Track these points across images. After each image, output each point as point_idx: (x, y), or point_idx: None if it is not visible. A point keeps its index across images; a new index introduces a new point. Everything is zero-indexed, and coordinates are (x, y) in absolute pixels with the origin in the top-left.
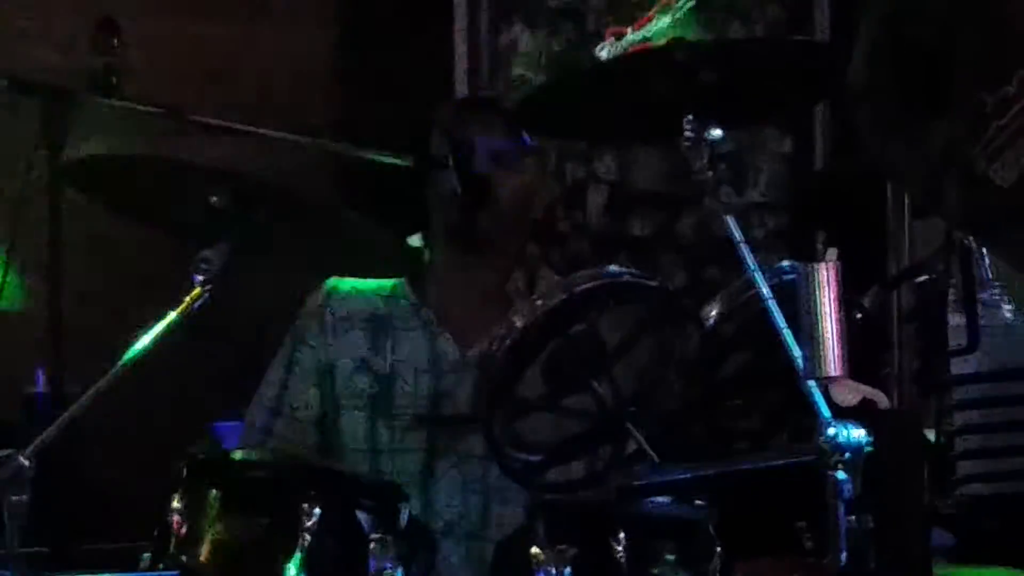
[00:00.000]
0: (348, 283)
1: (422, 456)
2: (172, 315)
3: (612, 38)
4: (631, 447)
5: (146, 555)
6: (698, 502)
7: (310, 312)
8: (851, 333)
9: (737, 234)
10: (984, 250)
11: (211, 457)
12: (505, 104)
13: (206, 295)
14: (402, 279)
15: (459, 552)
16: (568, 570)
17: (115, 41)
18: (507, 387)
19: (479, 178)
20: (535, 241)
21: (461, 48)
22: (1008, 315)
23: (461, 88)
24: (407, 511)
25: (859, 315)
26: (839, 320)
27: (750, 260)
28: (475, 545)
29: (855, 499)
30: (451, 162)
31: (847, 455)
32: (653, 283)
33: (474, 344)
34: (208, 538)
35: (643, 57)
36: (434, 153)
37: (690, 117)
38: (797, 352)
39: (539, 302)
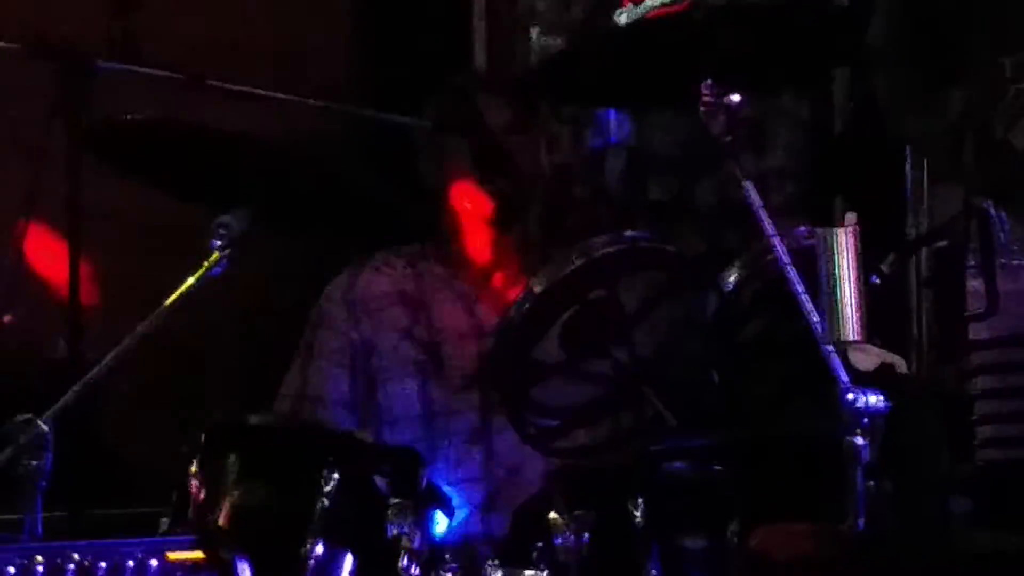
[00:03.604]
0: (370, 265)
1: (476, 415)
2: (190, 280)
3: (630, 3)
4: (649, 412)
5: (164, 519)
6: (716, 467)
7: (333, 298)
8: (870, 298)
9: (756, 199)
10: (1003, 214)
11: (229, 423)
12: (512, 71)
13: (224, 260)
14: (427, 259)
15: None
16: (587, 535)
17: (133, 6)
18: (525, 352)
19: (497, 151)
20: (546, 208)
21: (480, 13)
22: None
23: (480, 54)
24: (425, 476)
25: (878, 280)
26: (858, 285)
27: (768, 225)
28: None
29: (873, 464)
30: (467, 138)
31: (865, 420)
32: (671, 248)
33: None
34: (226, 503)
35: (662, 22)
36: (448, 129)
37: (709, 82)
38: (816, 317)
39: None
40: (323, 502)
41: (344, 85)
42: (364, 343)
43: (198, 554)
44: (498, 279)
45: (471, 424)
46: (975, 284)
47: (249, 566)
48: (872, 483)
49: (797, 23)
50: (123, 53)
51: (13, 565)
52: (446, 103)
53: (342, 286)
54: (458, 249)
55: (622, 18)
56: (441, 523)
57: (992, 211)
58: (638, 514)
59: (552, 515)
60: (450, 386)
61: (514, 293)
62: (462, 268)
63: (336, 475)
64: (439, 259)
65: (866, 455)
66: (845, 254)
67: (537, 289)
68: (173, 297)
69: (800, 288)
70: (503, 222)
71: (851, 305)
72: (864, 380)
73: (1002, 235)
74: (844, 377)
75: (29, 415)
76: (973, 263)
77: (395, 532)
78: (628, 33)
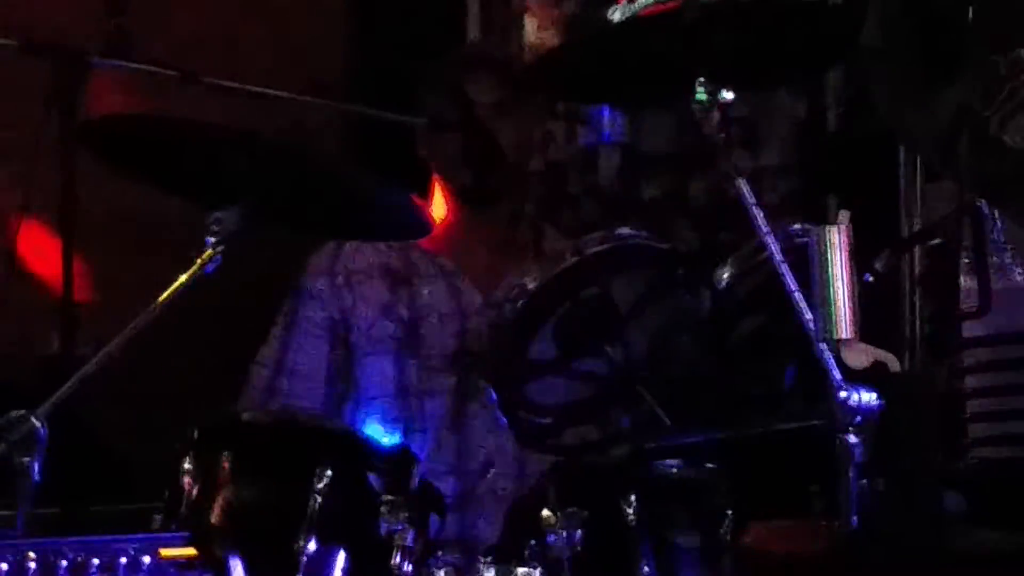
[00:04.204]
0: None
1: (451, 398)
2: (184, 277)
3: (624, 1)
4: (643, 410)
5: (157, 516)
6: (710, 465)
7: (316, 269)
8: (862, 296)
9: (749, 197)
10: (996, 213)
11: (222, 419)
12: (498, 54)
13: (218, 257)
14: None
15: (498, 492)
16: (579, 533)
17: (127, 2)
18: (518, 350)
19: (485, 136)
20: (537, 198)
21: (474, 9)
22: (1020, 278)
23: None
24: (418, 473)
25: (871, 278)
26: (851, 283)
27: (762, 223)
28: (515, 486)
29: (866, 462)
30: (457, 121)
31: (859, 418)
32: (664, 246)
33: (494, 289)
34: (219, 500)
35: (655, 19)
36: (436, 112)
37: (702, 80)
38: (809, 315)
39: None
40: (316, 499)
41: (340, 80)
42: (344, 316)
43: (191, 551)
44: (482, 259)
45: (445, 407)
46: (968, 282)
47: (242, 563)
48: (865, 481)
49: (791, 21)
50: (117, 49)
51: (5, 561)
52: (438, 95)
53: (328, 256)
54: (441, 227)
55: (615, 15)
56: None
57: (985, 209)
58: (631, 512)
59: (545, 512)
60: (426, 366)
61: (499, 273)
62: (446, 246)
63: (329, 472)
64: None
65: (859, 453)
66: (838, 252)
67: (530, 286)
68: (167, 294)
69: (793, 286)
70: (485, 204)
71: (844, 303)
72: (857, 378)
73: (995, 233)
74: (837, 375)
75: (22, 411)
76: (966, 261)
77: (388, 529)
78: (621, 30)
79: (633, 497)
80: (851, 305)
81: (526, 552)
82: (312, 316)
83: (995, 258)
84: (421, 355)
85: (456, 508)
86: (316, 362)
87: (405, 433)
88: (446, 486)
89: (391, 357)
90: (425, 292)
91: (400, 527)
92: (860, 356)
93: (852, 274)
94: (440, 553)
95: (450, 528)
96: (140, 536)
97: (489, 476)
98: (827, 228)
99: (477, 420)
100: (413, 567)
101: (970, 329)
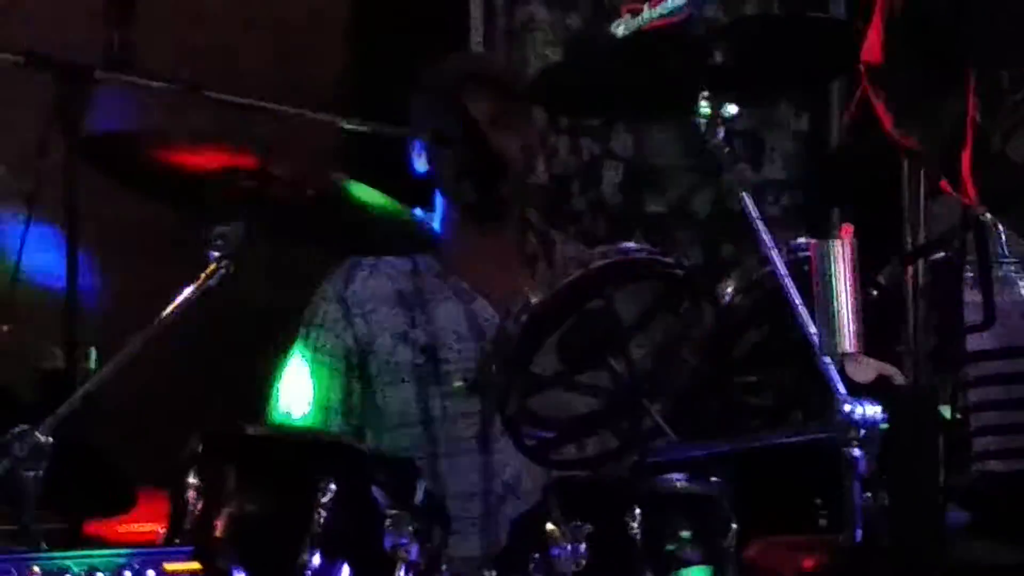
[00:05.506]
0: (366, 265)
1: (477, 421)
2: (188, 292)
3: (628, 15)
4: (647, 424)
5: (161, 530)
6: (713, 479)
7: (328, 298)
8: (866, 309)
9: (753, 211)
10: (1000, 226)
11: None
12: (493, 65)
13: (221, 271)
14: (424, 255)
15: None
16: (583, 547)
17: (130, 16)
18: (522, 363)
19: (489, 149)
20: (541, 210)
21: (477, 23)
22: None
23: None
24: (423, 487)
25: (874, 291)
26: (854, 296)
27: (766, 237)
28: None
29: (870, 476)
30: (459, 136)
31: (862, 431)
32: (668, 260)
33: (509, 305)
34: (223, 514)
35: (659, 34)
36: (437, 128)
37: (706, 94)
38: (812, 329)
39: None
40: (320, 513)
41: (342, 94)
42: (359, 345)
43: (195, 565)
44: (495, 276)
45: (472, 430)
46: (972, 296)
47: None
48: (869, 494)
49: (794, 35)
50: (121, 64)
51: None
52: (437, 110)
53: (337, 284)
54: (451, 247)
55: (619, 30)
56: None
57: (989, 222)
58: (635, 526)
59: (549, 526)
60: (450, 390)
61: (514, 289)
62: (458, 265)
63: (333, 486)
64: (435, 256)
65: (862, 466)
66: (842, 265)
67: (534, 300)
68: (171, 308)
69: (797, 300)
70: (490, 218)
71: (848, 316)
72: (861, 391)
73: (999, 247)
74: (841, 388)
75: (26, 426)
76: (970, 275)
77: (392, 543)
78: (625, 45)
79: (637, 510)
80: (855, 318)
81: (530, 565)
82: (324, 345)
83: (999, 271)
84: (443, 380)
85: (482, 529)
86: (331, 392)
87: (431, 458)
88: (472, 508)
89: (413, 385)
90: (440, 315)
91: (404, 541)
92: (864, 369)
93: (856, 288)
94: (444, 568)
95: (476, 549)
96: (144, 550)
97: (515, 495)
98: (831, 242)
99: (502, 443)
100: None
101: (974, 342)
